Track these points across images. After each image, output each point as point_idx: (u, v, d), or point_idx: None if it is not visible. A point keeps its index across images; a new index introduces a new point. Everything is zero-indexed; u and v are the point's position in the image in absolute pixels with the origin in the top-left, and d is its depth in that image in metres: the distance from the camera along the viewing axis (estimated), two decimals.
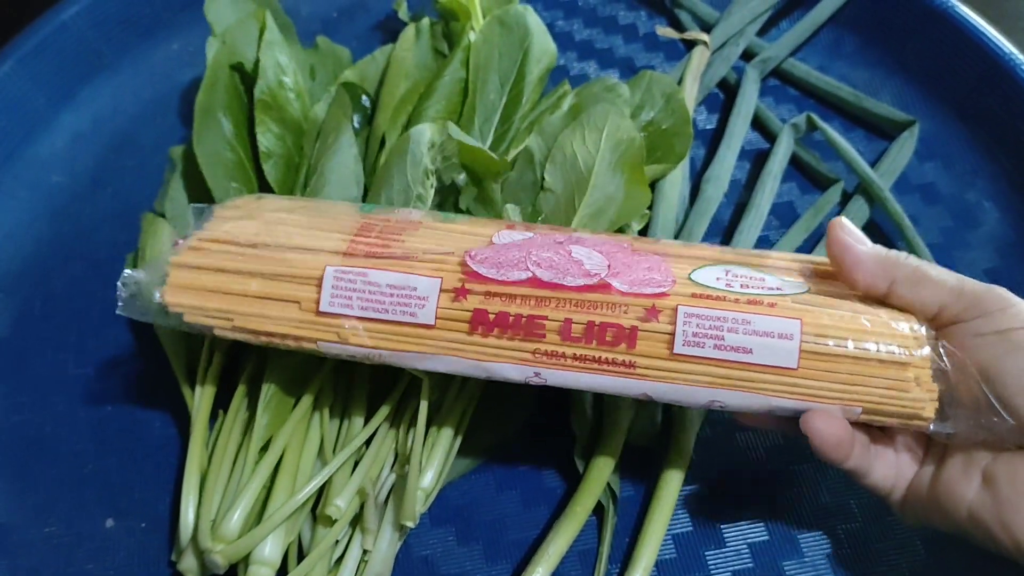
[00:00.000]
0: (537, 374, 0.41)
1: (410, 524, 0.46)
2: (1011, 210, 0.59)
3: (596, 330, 0.40)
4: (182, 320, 0.43)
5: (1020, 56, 0.61)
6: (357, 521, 0.46)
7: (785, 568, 0.47)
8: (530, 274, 0.41)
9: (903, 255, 0.40)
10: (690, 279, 0.41)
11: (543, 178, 0.52)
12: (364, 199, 0.53)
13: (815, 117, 0.61)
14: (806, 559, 0.47)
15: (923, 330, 0.40)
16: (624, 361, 0.40)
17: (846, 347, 0.39)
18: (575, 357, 0.40)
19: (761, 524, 0.48)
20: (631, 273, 0.41)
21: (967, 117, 0.63)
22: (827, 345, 0.39)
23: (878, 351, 0.39)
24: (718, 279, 0.41)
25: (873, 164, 0.62)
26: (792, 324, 0.39)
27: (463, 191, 0.52)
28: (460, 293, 0.40)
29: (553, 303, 0.40)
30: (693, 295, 0.40)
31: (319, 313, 0.42)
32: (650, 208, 0.56)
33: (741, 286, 0.40)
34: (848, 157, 0.59)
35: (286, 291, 0.42)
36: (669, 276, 0.41)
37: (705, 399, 0.41)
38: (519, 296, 0.40)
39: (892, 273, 0.40)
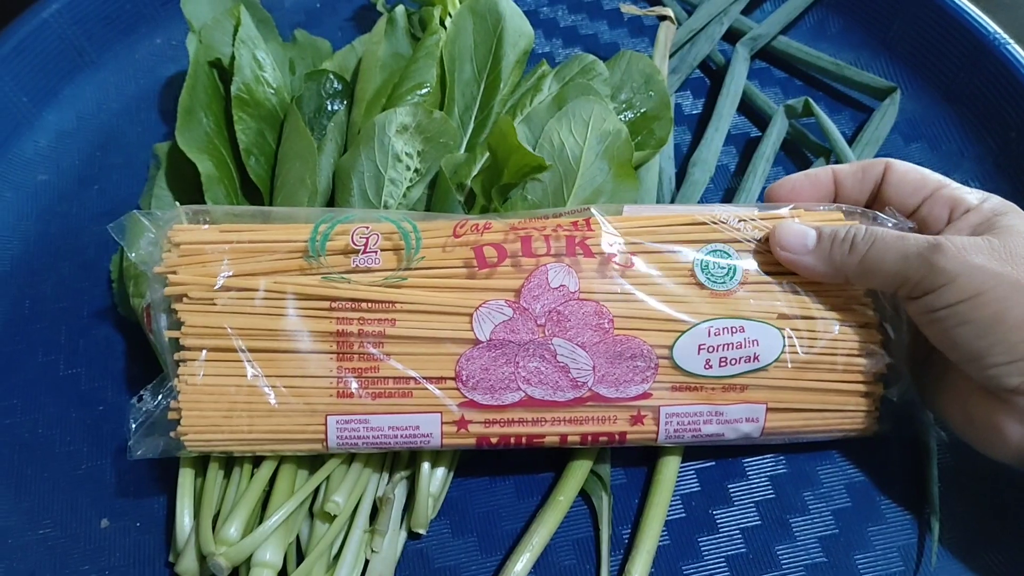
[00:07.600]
0: None
1: (421, 531, 0.46)
2: (997, 191, 0.58)
3: (590, 439, 0.44)
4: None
5: (1004, 35, 0.61)
6: (352, 517, 0.46)
7: (777, 552, 0.47)
8: (523, 394, 0.43)
9: (850, 236, 0.43)
10: (672, 359, 0.43)
11: None
12: (334, 187, 0.53)
13: (812, 103, 0.61)
14: (798, 542, 0.47)
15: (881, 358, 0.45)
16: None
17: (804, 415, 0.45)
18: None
19: (753, 509, 0.48)
20: (615, 368, 0.43)
21: (953, 98, 0.63)
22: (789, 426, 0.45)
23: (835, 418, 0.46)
24: (700, 349, 0.43)
25: (856, 134, 0.62)
26: (758, 409, 0.44)
27: (475, 203, 0.51)
28: (461, 424, 0.43)
29: (549, 421, 0.44)
30: (673, 387, 0.43)
31: (328, 449, 0.44)
32: None
33: (720, 362, 0.43)
34: (837, 147, 0.59)
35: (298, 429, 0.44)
36: (652, 361, 0.43)
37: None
38: (516, 419, 0.43)
39: (843, 272, 0.43)
